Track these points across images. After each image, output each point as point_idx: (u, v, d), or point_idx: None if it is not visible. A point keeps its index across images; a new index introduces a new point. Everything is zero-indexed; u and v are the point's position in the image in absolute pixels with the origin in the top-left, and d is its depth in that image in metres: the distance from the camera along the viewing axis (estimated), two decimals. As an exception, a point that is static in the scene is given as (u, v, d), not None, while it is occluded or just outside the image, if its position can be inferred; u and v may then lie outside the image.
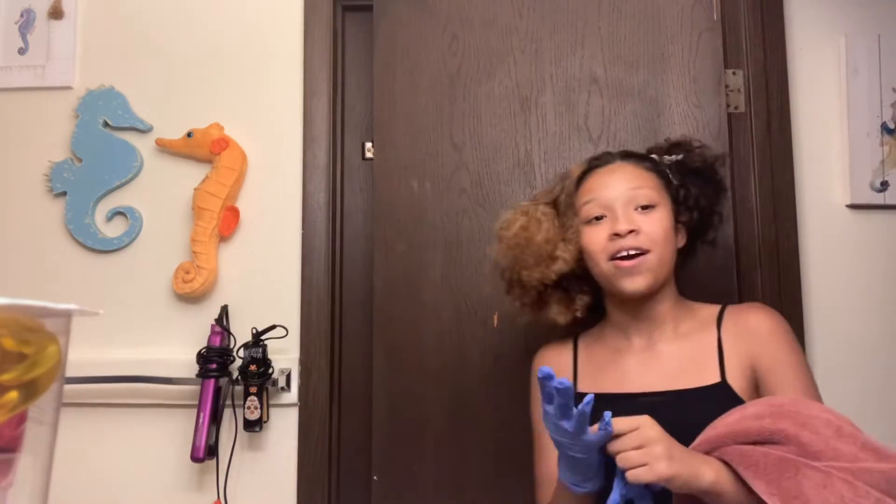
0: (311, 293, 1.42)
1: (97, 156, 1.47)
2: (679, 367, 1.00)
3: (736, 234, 1.38)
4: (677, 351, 1.02)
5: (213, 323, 1.38)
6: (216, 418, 1.35)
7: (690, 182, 1.09)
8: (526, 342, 1.31)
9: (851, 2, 1.46)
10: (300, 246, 1.43)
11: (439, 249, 1.38)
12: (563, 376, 0.88)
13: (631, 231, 0.98)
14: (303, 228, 1.44)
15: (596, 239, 1.01)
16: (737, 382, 0.96)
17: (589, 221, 1.03)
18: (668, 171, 1.08)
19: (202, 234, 1.41)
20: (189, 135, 1.44)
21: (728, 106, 1.41)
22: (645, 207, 1.00)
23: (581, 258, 1.04)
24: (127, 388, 1.40)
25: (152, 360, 1.40)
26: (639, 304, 1.03)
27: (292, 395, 1.39)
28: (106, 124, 1.48)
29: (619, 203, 1.00)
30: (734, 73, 1.43)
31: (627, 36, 1.42)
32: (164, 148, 1.47)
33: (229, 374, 1.36)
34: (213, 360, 1.35)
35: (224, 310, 1.40)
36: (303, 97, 1.47)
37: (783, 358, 0.98)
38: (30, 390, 0.38)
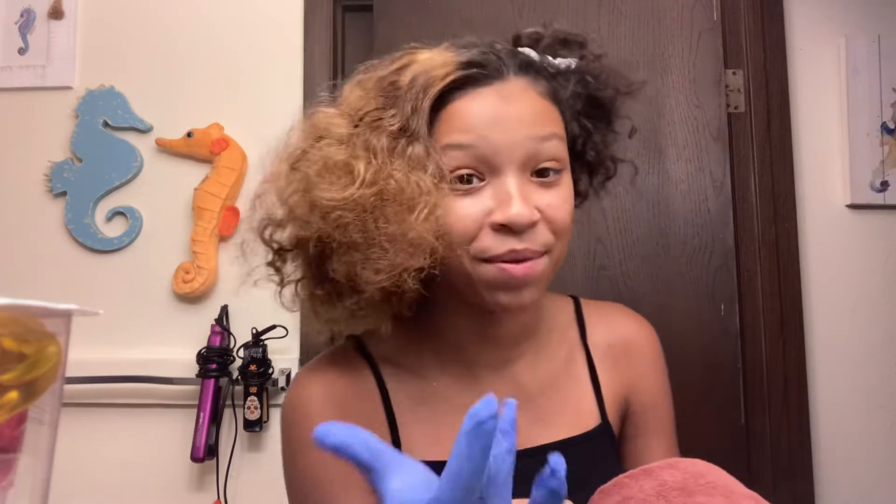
0: (311, 293, 1.42)
1: (97, 156, 1.47)
2: (549, 402, 0.68)
3: (736, 234, 1.38)
4: (542, 380, 0.69)
5: (213, 323, 1.38)
6: (216, 418, 1.35)
7: (587, 117, 0.70)
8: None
9: (851, 2, 1.46)
10: (300, 246, 1.43)
11: (439, 249, 1.38)
12: (374, 425, 0.60)
13: (531, 224, 0.58)
14: (303, 228, 1.43)
15: (465, 221, 0.58)
16: (614, 421, 0.71)
17: (451, 181, 0.58)
18: (559, 88, 0.67)
19: (202, 234, 1.41)
20: (189, 135, 1.44)
21: (728, 106, 1.41)
22: (546, 174, 0.60)
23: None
24: (127, 388, 1.40)
25: (152, 360, 1.40)
26: (495, 317, 0.65)
27: (292, 395, 1.39)
28: (106, 124, 1.48)
29: (513, 159, 0.58)
30: (734, 73, 1.43)
31: (627, 36, 1.42)
32: (164, 148, 1.47)
33: (229, 374, 1.36)
34: (213, 360, 1.35)
35: (224, 310, 1.40)
36: (303, 97, 1.47)
37: (664, 394, 0.76)
38: (30, 390, 0.38)
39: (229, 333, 1.38)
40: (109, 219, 1.48)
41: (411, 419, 0.63)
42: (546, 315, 0.72)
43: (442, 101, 0.59)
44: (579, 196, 0.73)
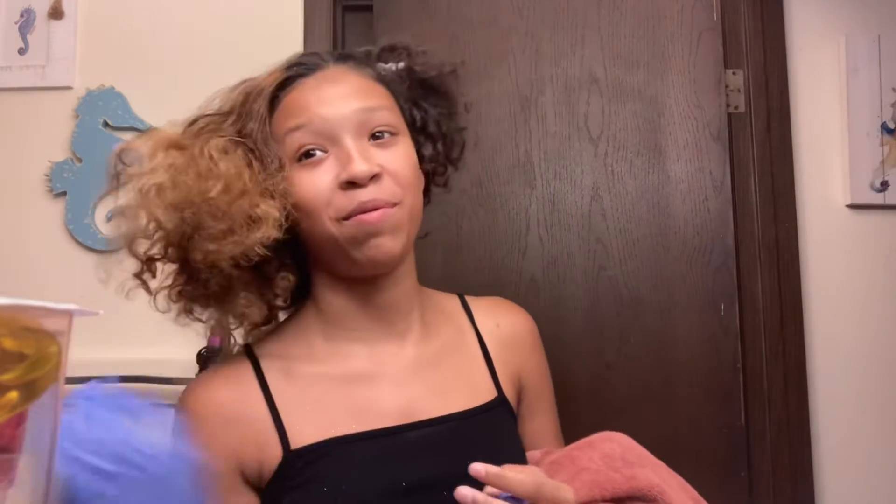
0: (311, 293, 1.42)
1: (97, 156, 1.47)
2: (443, 378, 0.72)
3: (736, 234, 1.38)
4: (433, 354, 0.74)
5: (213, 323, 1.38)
6: (216, 418, 1.35)
7: (423, 99, 0.79)
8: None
9: (851, 2, 1.46)
10: (300, 246, 1.43)
11: (439, 250, 1.38)
12: (257, 424, 0.65)
13: (373, 176, 0.66)
14: (303, 228, 1.44)
15: (317, 189, 0.66)
16: (510, 396, 0.77)
17: (299, 159, 0.68)
18: (390, 84, 0.77)
19: (202, 234, 1.41)
20: (189, 135, 1.44)
21: (728, 106, 1.41)
22: (381, 135, 0.69)
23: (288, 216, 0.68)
24: (127, 388, 1.39)
25: (152, 360, 1.40)
26: (375, 286, 0.71)
27: (292, 395, 1.39)
28: (106, 124, 1.48)
29: (346, 129, 0.67)
30: (734, 73, 1.43)
31: (627, 36, 1.42)
32: (164, 148, 1.47)
33: (229, 374, 1.36)
34: (213, 360, 1.35)
35: (224, 310, 1.40)
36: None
37: (544, 376, 0.84)
38: (30, 390, 0.38)
39: (229, 333, 1.38)
40: (109, 219, 1.48)
41: (294, 406, 0.67)
42: (431, 300, 0.79)
43: (276, 101, 0.71)
44: (429, 163, 0.81)
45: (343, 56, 0.75)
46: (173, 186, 0.65)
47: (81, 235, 1.46)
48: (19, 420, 0.38)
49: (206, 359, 1.34)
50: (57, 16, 1.53)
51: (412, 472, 0.65)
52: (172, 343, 1.42)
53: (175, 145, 0.70)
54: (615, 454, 0.67)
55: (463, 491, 0.54)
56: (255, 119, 0.70)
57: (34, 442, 0.39)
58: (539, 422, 0.81)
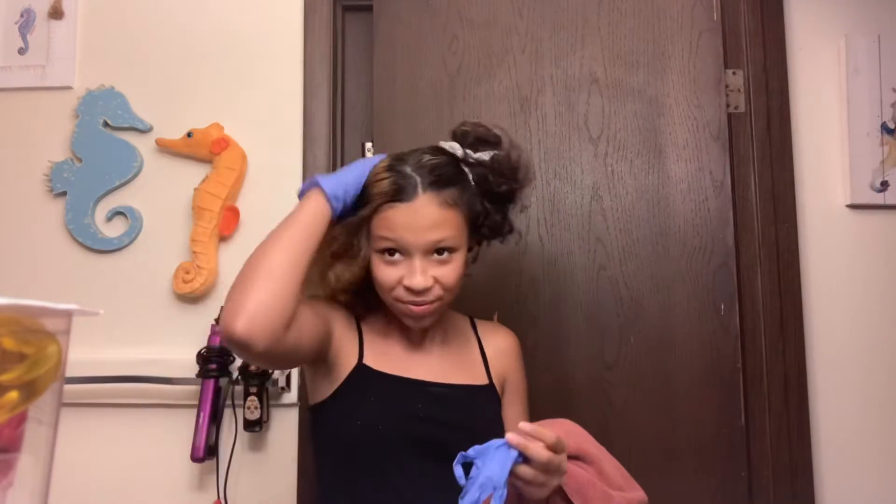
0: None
1: (97, 156, 1.47)
2: (452, 366, 1.05)
3: (736, 234, 1.38)
4: (448, 352, 1.07)
5: (213, 323, 1.38)
6: (216, 418, 1.35)
7: (490, 201, 1.01)
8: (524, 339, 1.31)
9: (851, 2, 1.46)
10: (300, 246, 1.43)
11: (439, 249, 1.38)
12: (351, 339, 1.01)
13: (426, 288, 0.94)
14: (303, 228, 1.44)
15: (388, 276, 0.95)
16: (497, 387, 1.07)
17: (382, 252, 0.95)
18: (469, 174, 1.00)
19: (202, 234, 1.41)
20: (189, 135, 1.44)
21: (728, 106, 1.41)
22: (442, 253, 0.95)
23: (362, 277, 0.99)
24: (127, 388, 1.40)
25: (152, 360, 1.40)
26: None
27: (292, 395, 1.39)
28: (106, 124, 1.48)
29: (419, 250, 0.93)
30: (734, 73, 1.43)
31: (627, 36, 1.42)
32: (164, 148, 1.47)
33: (229, 374, 1.36)
34: (213, 360, 1.35)
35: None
36: (303, 97, 1.47)
37: (521, 380, 1.13)
38: (30, 390, 0.38)
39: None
40: (109, 219, 1.48)
41: (370, 342, 1.02)
42: (451, 321, 1.11)
43: (380, 207, 0.95)
44: (473, 253, 1.07)
45: (434, 182, 0.94)
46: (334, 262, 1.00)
47: (81, 235, 1.46)
48: (19, 420, 0.38)
49: (206, 359, 1.34)
50: (57, 16, 1.53)
51: (430, 411, 0.98)
52: (172, 343, 1.43)
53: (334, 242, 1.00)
54: (571, 432, 0.94)
55: (513, 437, 0.76)
56: (364, 219, 0.96)
57: (34, 442, 0.39)
58: (513, 412, 1.09)
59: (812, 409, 1.36)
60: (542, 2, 1.43)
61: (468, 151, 1.00)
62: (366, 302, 1.04)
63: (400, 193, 0.94)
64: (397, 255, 0.95)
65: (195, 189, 1.43)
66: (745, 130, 1.42)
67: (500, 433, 0.80)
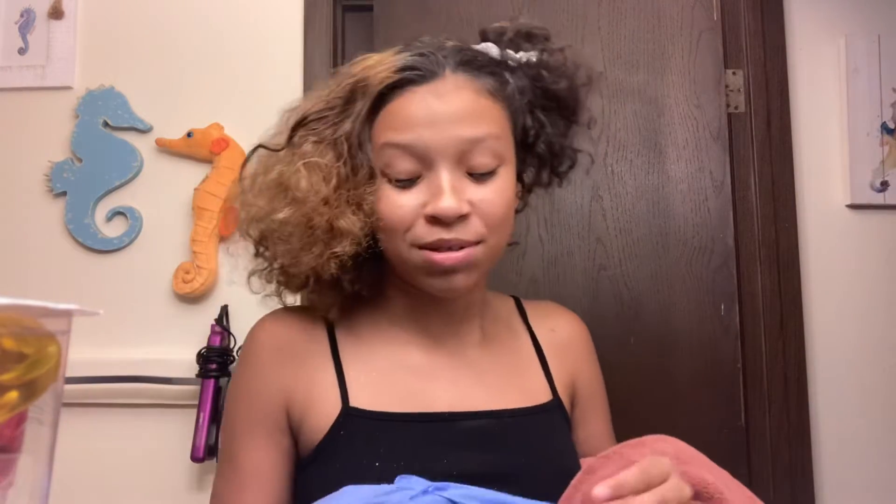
0: (311, 293, 1.42)
1: (97, 156, 1.47)
2: (499, 379, 0.72)
3: (736, 234, 1.38)
4: (490, 357, 0.74)
5: (213, 323, 1.38)
6: (216, 418, 1.35)
7: (543, 111, 0.72)
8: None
9: (851, 2, 1.46)
10: (300, 246, 1.43)
11: (439, 249, 1.38)
12: (318, 373, 0.67)
13: (461, 216, 0.63)
14: (303, 228, 1.44)
15: (400, 212, 0.64)
16: (565, 400, 0.76)
17: (393, 180, 0.65)
18: (511, 79, 0.70)
19: (202, 234, 1.41)
20: (189, 135, 1.44)
21: (728, 106, 1.41)
22: (483, 172, 0.65)
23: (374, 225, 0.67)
24: (127, 388, 1.39)
25: (152, 360, 1.40)
26: (444, 298, 0.71)
27: (292, 395, 1.39)
28: (106, 124, 1.48)
29: (445, 157, 0.63)
30: (734, 73, 1.43)
31: (627, 36, 1.42)
32: (164, 148, 1.47)
33: (229, 374, 1.36)
34: (213, 360, 1.35)
35: (224, 310, 1.40)
36: (303, 97, 1.47)
37: (599, 381, 0.83)
38: (30, 390, 0.38)
39: (229, 333, 1.38)
40: (109, 219, 1.48)
41: (358, 373, 0.69)
42: (491, 306, 0.78)
43: (382, 101, 0.65)
44: (526, 187, 0.78)
45: (463, 62, 0.66)
46: (248, 205, 0.69)
47: (81, 235, 1.46)
48: (19, 420, 0.38)
49: (207, 359, 1.34)
50: (57, 16, 1.53)
51: (464, 461, 0.64)
52: (172, 343, 1.43)
53: (270, 160, 0.70)
54: (668, 452, 0.64)
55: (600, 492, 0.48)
56: (355, 120, 0.66)
57: (34, 442, 0.39)
58: (592, 427, 0.80)
59: (812, 409, 1.36)
60: (542, 2, 1.43)
61: (508, 52, 0.71)
62: (357, 289, 0.72)
63: (415, 73, 0.65)
64: (414, 181, 0.65)
65: (195, 189, 1.43)
66: (745, 130, 1.42)
67: (574, 470, 0.58)
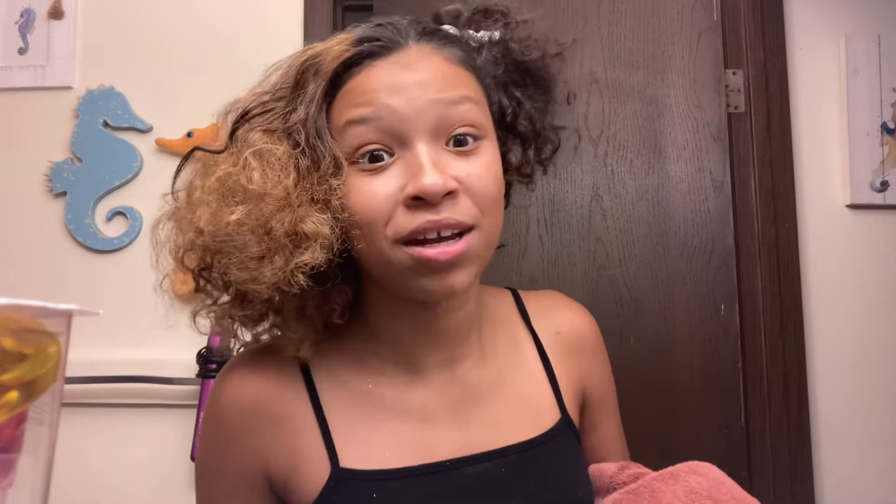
0: (311, 293, 1.42)
1: (97, 156, 1.47)
2: (503, 408, 0.64)
3: (736, 234, 1.38)
4: (492, 379, 0.65)
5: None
6: (216, 418, 1.35)
7: (517, 87, 0.66)
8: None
9: (851, 2, 1.46)
10: (300, 246, 1.43)
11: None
12: (301, 433, 0.58)
13: (448, 193, 0.53)
14: (303, 228, 1.43)
15: (376, 201, 0.54)
16: (573, 412, 0.69)
17: (356, 161, 0.55)
18: (477, 59, 0.63)
19: (202, 234, 1.41)
20: (189, 135, 1.44)
21: (728, 106, 1.41)
22: (464, 140, 0.56)
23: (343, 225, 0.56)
24: (127, 388, 1.40)
25: (152, 360, 1.40)
26: (434, 311, 0.61)
27: (292, 395, 1.39)
28: (106, 124, 1.48)
29: (421, 127, 0.54)
30: (734, 73, 1.43)
31: (627, 36, 1.42)
32: (164, 148, 1.47)
33: (229, 374, 1.36)
34: (213, 360, 1.35)
35: (224, 310, 1.40)
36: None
37: (609, 381, 0.76)
38: (30, 390, 0.38)
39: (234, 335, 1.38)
40: (109, 219, 1.48)
41: (346, 425, 0.59)
42: (487, 308, 0.68)
43: (339, 82, 0.57)
44: (514, 171, 0.70)
45: (427, 31, 0.60)
46: (184, 223, 0.59)
47: (81, 235, 1.46)
48: (19, 420, 0.38)
49: (206, 359, 1.34)
50: (57, 16, 1.53)
51: None
52: (172, 343, 1.43)
53: (209, 159, 0.61)
54: (700, 489, 0.59)
55: None
56: (309, 104, 0.56)
57: (34, 442, 0.39)
58: (603, 431, 0.74)
59: (812, 410, 1.36)
60: (542, 2, 1.43)
61: (469, 31, 0.65)
62: (326, 304, 0.61)
63: (375, 44, 0.57)
64: (386, 157, 0.55)
65: (195, 189, 1.43)
66: (745, 130, 1.42)
67: (587, 499, 0.56)
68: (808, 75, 1.44)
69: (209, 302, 0.62)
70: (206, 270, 0.60)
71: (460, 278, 0.55)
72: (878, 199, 1.40)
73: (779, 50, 1.44)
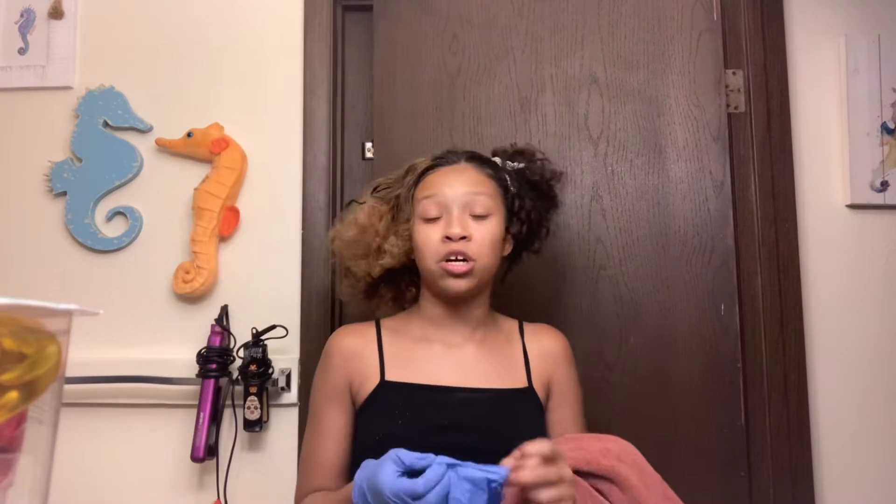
0: (311, 293, 1.42)
1: (97, 156, 1.47)
2: (488, 369, 1.05)
3: (736, 234, 1.38)
4: (486, 354, 1.07)
5: (213, 323, 1.38)
6: (216, 418, 1.35)
7: (526, 194, 1.12)
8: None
9: (851, 2, 1.46)
10: (300, 246, 1.43)
11: (439, 249, 1.38)
12: (368, 361, 1.04)
13: (463, 237, 1.00)
14: (303, 228, 1.44)
15: (429, 238, 1.02)
16: (539, 391, 1.06)
17: (425, 219, 1.04)
18: (507, 178, 1.10)
19: (202, 234, 1.41)
20: (189, 135, 1.44)
21: (728, 106, 1.41)
22: (480, 216, 1.02)
23: (410, 251, 1.07)
24: (127, 388, 1.40)
25: (152, 360, 1.40)
26: (457, 304, 1.06)
27: (292, 395, 1.39)
28: (106, 124, 1.48)
29: (456, 205, 1.02)
30: (734, 73, 1.43)
31: (627, 36, 1.42)
32: (164, 148, 1.47)
33: (229, 374, 1.36)
34: (213, 360, 1.35)
35: (224, 310, 1.40)
36: (303, 97, 1.47)
37: (570, 384, 1.11)
38: (30, 390, 0.38)
39: (229, 333, 1.38)
40: (109, 219, 1.48)
41: (393, 355, 1.06)
42: (496, 322, 1.13)
43: (423, 177, 1.08)
44: (512, 236, 1.11)
45: (472, 157, 1.09)
46: (346, 230, 1.12)
47: (81, 235, 1.46)
48: (19, 420, 0.38)
49: (206, 359, 1.35)
50: (57, 16, 1.53)
51: (452, 415, 0.98)
52: (172, 343, 1.43)
53: (362, 207, 1.13)
54: (614, 450, 0.87)
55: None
56: (405, 187, 1.09)
57: (34, 442, 0.39)
58: (560, 414, 1.08)
59: (812, 409, 1.36)
60: (542, 2, 1.43)
61: (507, 162, 1.13)
62: (402, 294, 1.15)
63: (441, 160, 1.09)
64: (438, 221, 1.02)
65: (195, 189, 1.43)
66: (745, 130, 1.42)
67: (540, 437, 0.77)
68: (808, 75, 1.44)
69: (350, 281, 1.16)
70: (342, 262, 1.15)
71: (465, 284, 1.02)
72: (878, 199, 1.40)
73: (779, 50, 1.44)
